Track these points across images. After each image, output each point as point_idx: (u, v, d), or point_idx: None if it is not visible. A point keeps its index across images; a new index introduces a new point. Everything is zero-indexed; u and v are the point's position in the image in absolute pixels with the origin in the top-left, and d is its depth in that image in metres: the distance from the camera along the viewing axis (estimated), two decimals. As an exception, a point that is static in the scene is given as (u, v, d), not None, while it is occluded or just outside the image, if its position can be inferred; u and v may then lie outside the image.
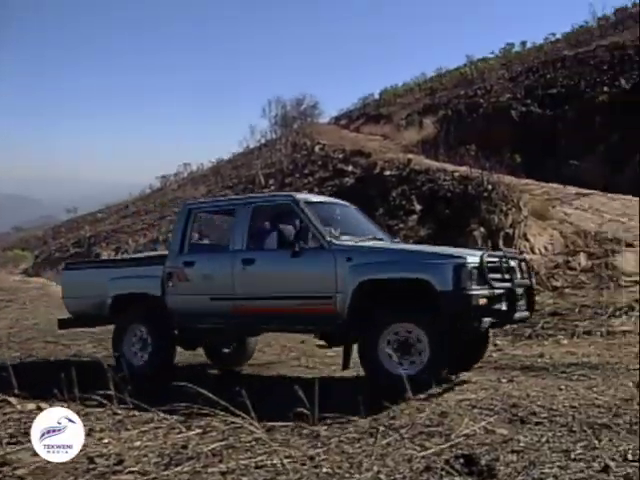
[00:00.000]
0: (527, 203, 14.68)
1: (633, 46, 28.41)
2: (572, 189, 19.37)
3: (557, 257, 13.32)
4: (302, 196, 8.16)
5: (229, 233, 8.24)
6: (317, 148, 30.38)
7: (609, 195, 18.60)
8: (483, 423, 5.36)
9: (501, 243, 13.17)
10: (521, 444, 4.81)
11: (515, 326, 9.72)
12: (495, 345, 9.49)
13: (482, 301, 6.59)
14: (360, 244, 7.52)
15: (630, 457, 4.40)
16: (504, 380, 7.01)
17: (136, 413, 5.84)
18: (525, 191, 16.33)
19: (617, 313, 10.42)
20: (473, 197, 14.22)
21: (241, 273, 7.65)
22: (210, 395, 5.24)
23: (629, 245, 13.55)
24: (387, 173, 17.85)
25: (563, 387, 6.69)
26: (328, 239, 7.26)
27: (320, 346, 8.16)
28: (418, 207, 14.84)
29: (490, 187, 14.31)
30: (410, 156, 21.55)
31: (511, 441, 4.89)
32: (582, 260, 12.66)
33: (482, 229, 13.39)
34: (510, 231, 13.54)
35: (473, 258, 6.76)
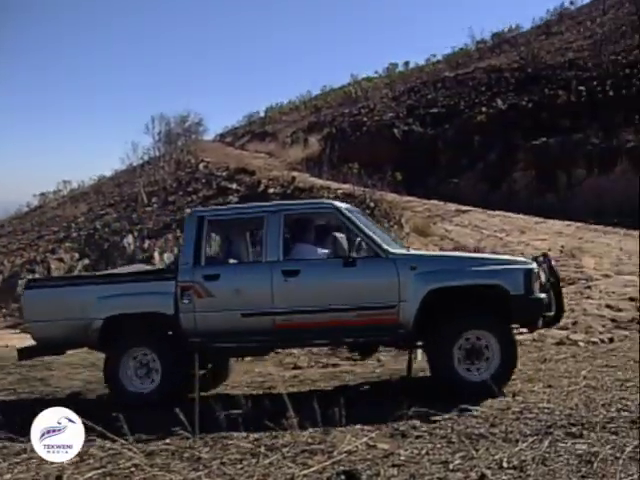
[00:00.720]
0: (409, 220, 15.01)
1: (509, 69, 29.69)
2: (452, 206, 19.94)
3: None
4: (340, 204, 7.85)
5: (258, 242, 7.70)
6: (201, 166, 30.21)
7: (488, 212, 19.24)
8: (365, 439, 5.39)
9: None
10: (402, 458, 4.87)
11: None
12: (378, 361, 9.59)
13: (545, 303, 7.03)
14: (418, 252, 7.75)
15: (505, 465, 4.53)
16: (387, 395, 7.06)
17: (7, 444, 5.57)
18: (407, 208, 16.71)
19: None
20: (356, 214, 14.39)
21: (283, 285, 7.15)
22: (86, 421, 5.04)
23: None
24: (271, 191, 17.89)
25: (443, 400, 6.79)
26: (385, 247, 7.16)
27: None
28: (302, 225, 14.88)
29: (373, 204, 14.52)
30: (295, 174, 21.73)
31: (392, 455, 4.94)
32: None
33: (365, 246, 13.56)
34: (393, 247, 13.75)
35: (535, 264, 7.17)
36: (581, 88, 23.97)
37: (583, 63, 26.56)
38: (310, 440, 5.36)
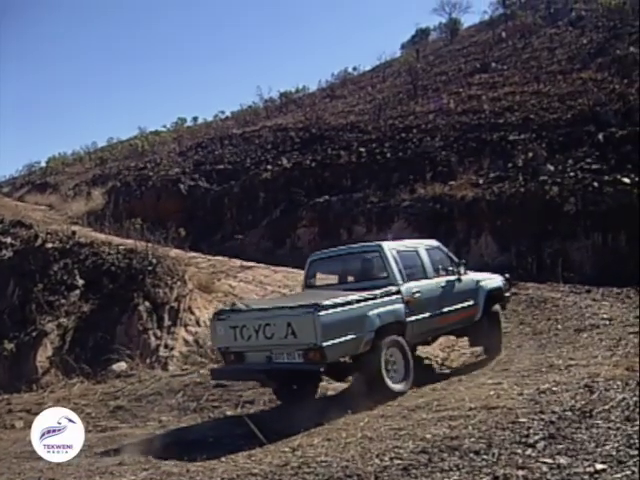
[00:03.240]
0: (192, 276, 14.78)
1: (295, 128, 30.68)
2: (237, 262, 20.01)
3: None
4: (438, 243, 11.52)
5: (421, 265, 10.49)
6: (-28, 218, 28.28)
7: (272, 268, 19.49)
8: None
9: (166, 317, 13.05)
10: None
11: (182, 400, 9.87)
12: (160, 421, 9.32)
13: None
14: (473, 273, 11.69)
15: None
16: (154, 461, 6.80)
17: None
18: (191, 264, 16.47)
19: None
20: (138, 271, 13.99)
21: (442, 294, 10.47)
22: None
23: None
24: (49, 246, 16.96)
25: (224, 459, 6.69)
26: (462, 267, 11.16)
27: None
28: (81, 282, 14.24)
29: (155, 261, 14.16)
30: (75, 228, 20.81)
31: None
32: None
33: (147, 303, 13.15)
34: (175, 305, 13.42)
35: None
36: (362, 149, 25.24)
37: (364, 126, 28.02)
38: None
